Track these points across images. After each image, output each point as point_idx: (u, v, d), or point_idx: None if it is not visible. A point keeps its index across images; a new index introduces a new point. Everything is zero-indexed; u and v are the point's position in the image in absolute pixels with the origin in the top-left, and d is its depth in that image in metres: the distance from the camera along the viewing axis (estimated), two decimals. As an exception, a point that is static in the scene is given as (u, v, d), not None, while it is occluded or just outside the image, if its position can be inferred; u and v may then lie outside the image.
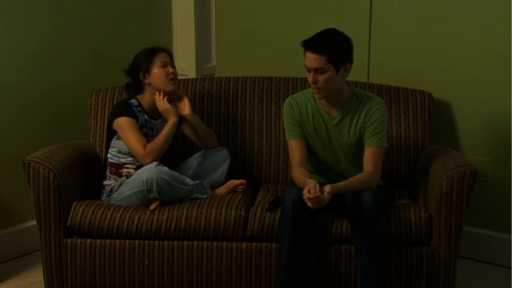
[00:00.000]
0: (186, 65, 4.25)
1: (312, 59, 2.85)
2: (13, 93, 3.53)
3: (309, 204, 2.73)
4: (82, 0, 3.77)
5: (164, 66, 3.20)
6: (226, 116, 3.50)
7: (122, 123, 3.12)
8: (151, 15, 4.18)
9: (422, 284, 2.93)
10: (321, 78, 2.87)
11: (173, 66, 3.25)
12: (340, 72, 2.88)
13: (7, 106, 3.51)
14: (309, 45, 2.86)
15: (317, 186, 2.75)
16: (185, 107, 3.25)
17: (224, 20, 4.23)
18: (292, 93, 3.28)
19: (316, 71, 2.86)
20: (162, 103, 3.18)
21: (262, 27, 4.07)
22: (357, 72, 3.25)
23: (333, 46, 2.85)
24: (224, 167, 3.29)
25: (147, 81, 3.22)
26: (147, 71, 3.21)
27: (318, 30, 2.92)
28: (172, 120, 3.16)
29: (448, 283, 2.92)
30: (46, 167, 2.94)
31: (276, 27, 4.01)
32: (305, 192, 2.74)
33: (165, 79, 3.20)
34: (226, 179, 3.28)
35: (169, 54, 3.28)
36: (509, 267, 3.44)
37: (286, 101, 3.09)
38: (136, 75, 3.24)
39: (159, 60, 3.20)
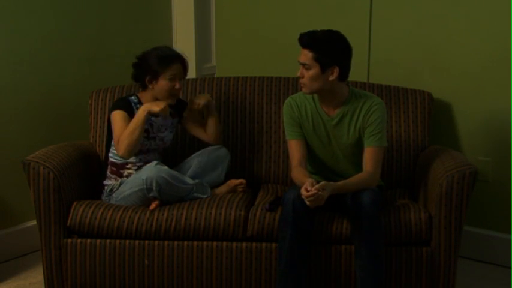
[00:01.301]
0: (186, 65, 4.25)
1: (302, 53, 2.89)
2: (13, 93, 3.53)
3: (307, 202, 2.73)
4: (82, 0, 3.77)
5: (173, 79, 3.12)
6: (226, 116, 3.50)
7: (114, 116, 3.10)
8: (151, 15, 4.18)
9: (422, 284, 2.93)
10: (306, 74, 2.90)
11: (181, 78, 3.16)
12: (326, 73, 2.88)
13: (7, 106, 3.51)
14: (301, 38, 2.89)
15: (314, 184, 2.75)
16: (201, 97, 3.21)
17: (224, 20, 4.23)
18: (292, 93, 3.29)
19: (303, 65, 2.89)
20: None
21: (262, 27, 4.07)
22: (357, 72, 3.25)
23: (322, 45, 2.86)
24: (224, 166, 3.29)
25: (150, 86, 3.15)
26: (155, 77, 3.12)
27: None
28: (143, 110, 3.03)
29: (448, 283, 2.92)
30: (46, 167, 2.94)
31: (276, 27, 4.01)
32: (302, 190, 2.74)
33: (168, 93, 3.13)
34: (226, 178, 3.28)
35: (184, 64, 3.17)
36: (509, 267, 3.44)
37: (286, 101, 3.09)
38: (142, 75, 3.17)
39: (170, 72, 3.10)
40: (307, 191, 2.72)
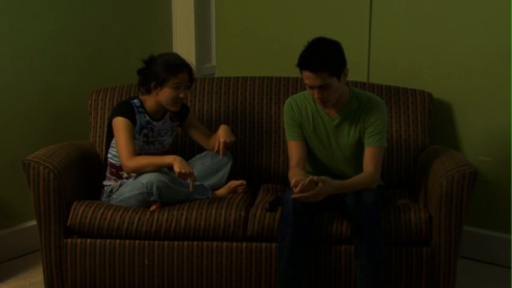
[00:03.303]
0: (186, 65, 4.25)
1: (313, 78, 2.82)
2: (13, 93, 3.53)
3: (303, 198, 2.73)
4: (82, 0, 3.77)
5: (177, 88, 3.10)
6: (226, 116, 3.50)
7: (118, 123, 3.09)
8: (151, 15, 4.18)
9: (422, 284, 2.93)
10: (326, 92, 2.86)
11: (187, 87, 3.13)
12: (341, 79, 2.89)
13: (7, 106, 3.51)
14: (307, 65, 2.82)
15: (305, 181, 2.72)
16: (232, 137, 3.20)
17: (224, 20, 4.23)
18: (292, 93, 3.29)
19: (321, 87, 2.85)
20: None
21: (262, 27, 4.07)
22: (357, 72, 3.25)
23: (329, 59, 2.82)
24: (226, 170, 3.27)
25: (155, 92, 3.14)
26: (160, 84, 3.10)
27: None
28: (170, 161, 3.00)
29: (448, 283, 2.92)
30: (46, 167, 2.94)
31: (276, 27, 4.01)
32: (293, 185, 2.73)
33: (171, 101, 3.11)
34: (227, 181, 3.27)
35: (190, 73, 3.15)
36: (509, 267, 3.44)
37: (287, 101, 3.09)
38: (148, 80, 3.15)
39: (175, 81, 3.08)
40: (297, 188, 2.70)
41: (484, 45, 3.42)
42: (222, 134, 3.19)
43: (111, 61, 3.92)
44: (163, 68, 3.09)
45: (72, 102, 3.76)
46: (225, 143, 3.15)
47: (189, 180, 3.02)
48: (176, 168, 2.96)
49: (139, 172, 3.04)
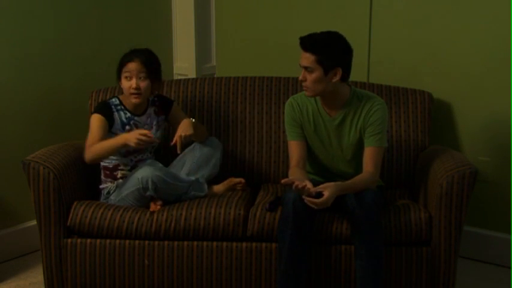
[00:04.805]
0: (186, 65, 4.25)
1: (303, 57, 2.87)
2: (13, 93, 3.53)
3: (314, 206, 2.74)
4: (82, 0, 3.77)
5: (129, 78, 3.09)
6: (226, 116, 3.50)
7: (92, 119, 3.11)
8: (151, 16, 4.18)
9: (422, 284, 2.93)
10: (309, 77, 2.88)
11: (142, 77, 3.09)
12: (328, 75, 2.87)
13: (7, 106, 3.51)
14: (302, 42, 2.88)
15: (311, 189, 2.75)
16: (186, 129, 3.09)
17: (224, 20, 4.23)
18: (292, 93, 3.29)
19: (306, 69, 2.87)
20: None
21: (262, 27, 4.07)
22: (357, 72, 3.24)
23: (324, 47, 2.85)
24: (217, 157, 3.26)
25: (121, 87, 3.17)
26: (119, 78, 3.15)
27: (318, 30, 2.92)
28: (123, 141, 2.96)
29: (448, 283, 2.92)
30: (46, 167, 2.94)
31: (275, 27, 4.01)
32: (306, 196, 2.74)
33: (127, 92, 3.12)
34: (224, 176, 3.27)
35: (143, 62, 3.08)
36: (509, 267, 3.44)
37: (288, 101, 3.09)
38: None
39: (125, 70, 3.10)
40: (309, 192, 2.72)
41: (484, 45, 3.42)
42: (180, 127, 3.11)
43: (111, 61, 3.90)
44: (120, 61, 3.14)
45: (72, 102, 3.76)
46: (180, 137, 3.06)
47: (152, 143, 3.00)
48: (132, 144, 2.92)
49: (99, 160, 3.08)
